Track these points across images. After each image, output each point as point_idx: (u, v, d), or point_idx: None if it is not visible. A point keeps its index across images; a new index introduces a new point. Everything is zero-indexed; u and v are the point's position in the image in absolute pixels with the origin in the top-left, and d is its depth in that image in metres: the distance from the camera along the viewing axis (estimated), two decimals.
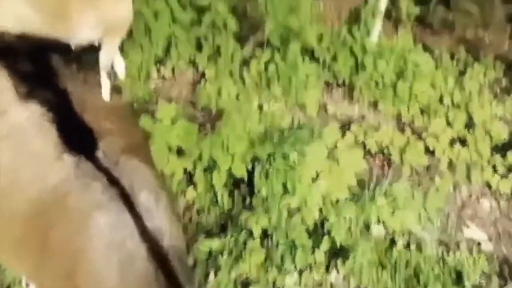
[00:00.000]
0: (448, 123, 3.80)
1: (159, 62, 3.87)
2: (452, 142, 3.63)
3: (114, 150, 1.19)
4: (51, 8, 2.71)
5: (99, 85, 3.21)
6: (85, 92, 1.41)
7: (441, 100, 4.08)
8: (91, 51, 3.13)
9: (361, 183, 3.11)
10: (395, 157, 3.46)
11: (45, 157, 1.13)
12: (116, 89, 3.49)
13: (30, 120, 1.20)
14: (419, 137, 3.65)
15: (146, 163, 1.20)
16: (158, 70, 3.87)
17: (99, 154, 1.16)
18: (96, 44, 3.03)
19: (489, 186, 3.46)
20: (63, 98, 1.34)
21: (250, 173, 2.83)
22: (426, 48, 4.83)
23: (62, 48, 2.83)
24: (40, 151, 1.15)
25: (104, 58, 3.12)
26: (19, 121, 1.21)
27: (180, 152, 2.88)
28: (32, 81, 1.34)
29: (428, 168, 3.51)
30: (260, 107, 3.72)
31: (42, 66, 1.43)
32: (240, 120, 2.79)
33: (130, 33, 3.40)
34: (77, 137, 1.23)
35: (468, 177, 3.47)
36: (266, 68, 3.88)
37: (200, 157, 2.77)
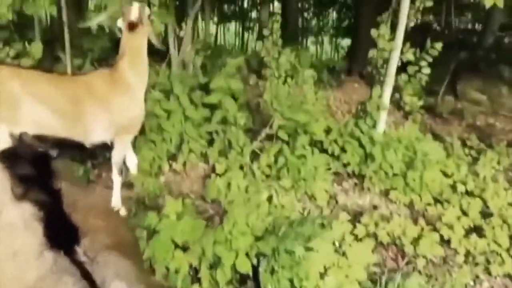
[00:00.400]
0: (463, 212, 3.70)
1: (171, 157, 4.00)
2: (468, 232, 3.51)
3: (95, 246, 1.22)
4: (66, 111, 2.88)
5: (110, 180, 3.31)
6: (79, 193, 1.48)
7: (454, 188, 4.02)
8: (104, 148, 3.27)
9: (372, 277, 2.99)
10: (408, 249, 3.35)
11: (28, 254, 1.17)
12: (128, 185, 3.59)
13: (20, 219, 1.26)
14: (433, 227, 3.55)
15: (126, 258, 1.22)
16: (170, 165, 4.00)
17: (79, 249, 1.19)
18: (109, 143, 3.16)
19: (510, 278, 3.27)
20: (56, 199, 1.41)
21: (256, 269, 2.77)
22: (436, 137, 4.90)
23: (74, 147, 3.00)
24: (24, 249, 1.19)
25: (116, 156, 3.22)
26: (10, 220, 1.27)
27: (186, 248, 2.87)
28: (30, 183, 1.41)
29: (444, 259, 3.37)
30: (270, 199, 3.73)
31: (42, 169, 1.52)
32: (243, 215, 2.79)
33: (142, 131, 3.57)
34: (63, 234, 1.27)
35: (488, 268, 3.30)
36: (275, 161, 3.97)
37: (204, 253, 2.75)
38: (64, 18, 4.07)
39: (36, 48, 3.90)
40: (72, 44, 4.33)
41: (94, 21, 2.99)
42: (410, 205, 3.93)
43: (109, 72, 3.07)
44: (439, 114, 5.71)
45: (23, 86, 2.74)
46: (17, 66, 3.21)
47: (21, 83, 2.73)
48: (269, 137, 4.21)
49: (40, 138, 2.87)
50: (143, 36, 3.01)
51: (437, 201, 3.93)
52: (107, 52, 4.74)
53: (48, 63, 4.41)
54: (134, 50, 3.02)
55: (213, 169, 4.01)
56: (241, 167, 3.94)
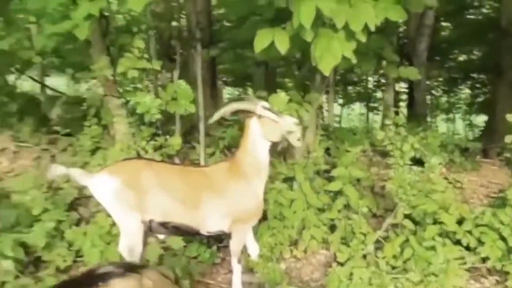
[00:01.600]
0: None
1: (292, 243, 4.03)
2: None
3: None
4: (187, 200, 3.11)
5: (230, 266, 3.43)
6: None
7: None
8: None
9: None
10: None
11: None
12: (250, 269, 3.68)
13: None
14: None
15: None
16: (291, 251, 4.01)
17: None
18: (226, 231, 3.27)
19: None
20: None
21: None
22: None
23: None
24: None
25: (234, 245, 3.32)
26: None
27: None
28: None
29: None
30: None
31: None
32: None
33: (264, 218, 3.68)
34: None
35: None
36: (401, 252, 3.74)
37: None
38: (201, 113, 4.59)
39: (176, 141, 4.41)
40: (207, 134, 4.81)
41: (215, 117, 3.25)
42: None
43: (229, 163, 3.27)
44: None
45: (153, 177, 3.06)
46: (149, 159, 3.62)
47: (152, 174, 3.07)
48: (394, 226, 4.01)
49: (164, 225, 3.16)
50: (262, 128, 3.13)
51: None
52: (236, 140, 5.10)
53: (184, 152, 4.93)
54: (252, 141, 3.16)
55: (334, 257, 3.92)
56: (364, 257, 3.79)
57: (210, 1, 6.04)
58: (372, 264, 3.70)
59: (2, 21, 5.12)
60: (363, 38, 3.03)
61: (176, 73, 4.69)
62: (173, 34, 6.26)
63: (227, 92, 11.08)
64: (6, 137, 5.35)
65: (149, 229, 3.16)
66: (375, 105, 11.07)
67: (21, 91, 6.85)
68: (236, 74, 8.75)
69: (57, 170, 3.17)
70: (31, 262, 3.70)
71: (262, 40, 3.26)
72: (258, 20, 3.88)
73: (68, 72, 7.02)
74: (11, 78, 6.37)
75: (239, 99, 3.23)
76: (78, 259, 3.85)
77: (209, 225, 3.19)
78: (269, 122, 3.10)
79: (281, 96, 4.08)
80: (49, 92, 7.17)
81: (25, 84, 7.23)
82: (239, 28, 5.20)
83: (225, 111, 3.16)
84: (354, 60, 3.10)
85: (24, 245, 3.63)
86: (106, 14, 4.45)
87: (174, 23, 6.68)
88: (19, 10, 5.04)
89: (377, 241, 3.92)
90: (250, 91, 8.07)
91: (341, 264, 3.73)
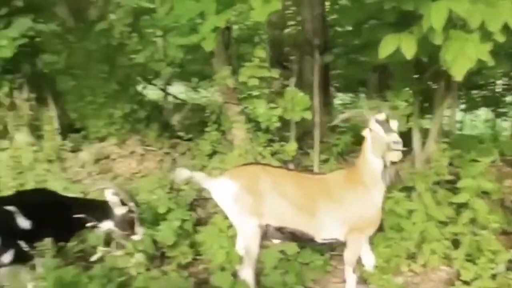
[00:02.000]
0: None
1: (410, 256, 3.82)
2: None
3: None
4: (303, 206, 3.12)
5: (343, 275, 3.37)
6: None
7: None
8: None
9: None
10: None
11: None
12: (364, 281, 3.57)
13: None
14: None
15: None
16: (409, 265, 3.81)
17: None
18: (342, 240, 3.23)
19: None
20: None
21: None
22: None
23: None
24: None
25: (349, 254, 3.25)
26: None
27: None
28: None
29: None
30: None
31: None
32: None
33: (381, 228, 3.55)
34: None
35: None
36: None
37: None
38: (316, 119, 4.59)
39: (291, 147, 4.47)
40: (321, 140, 4.80)
41: (337, 120, 3.26)
42: None
43: (347, 172, 3.23)
44: None
45: (270, 182, 3.14)
46: (267, 164, 3.69)
47: (269, 179, 3.15)
48: None
49: (280, 230, 3.21)
50: (371, 141, 3.02)
51: None
52: (350, 146, 5.02)
53: (298, 158, 4.96)
54: (368, 151, 3.06)
55: (457, 275, 3.64)
56: (493, 277, 3.46)
57: (324, 8, 6.01)
58: (503, 286, 3.37)
59: (136, 36, 5.64)
60: (501, 39, 2.77)
61: (292, 81, 4.76)
62: (286, 41, 6.36)
63: (339, 98, 10.88)
64: (134, 141, 5.87)
65: (265, 234, 3.24)
66: (504, 110, 9.96)
67: (148, 99, 7.45)
68: (349, 79, 8.56)
69: (182, 173, 3.41)
70: (157, 257, 4.01)
71: (388, 45, 3.18)
72: (378, 24, 3.78)
73: (193, 81, 7.46)
74: (138, 87, 6.98)
75: (374, 105, 3.20)
76: (198, 256, 4.08)
77: (324, 233, 3.18)
78: (377, 137, 2.97)
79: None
80: (170, 99, 7.72)
81: (150, 93, 7.83)
82: (355, 33, 5.11)
83: (345, 116, 3.19)
84: (492, 62, 2.86)
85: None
86: (228, 25, 4.68)
87: (286, 31, 6.79)
88: (148, 25, 5.57)
89: (509, 261, 3.55)
90: (362, 97, 7.86)
91: (466, 283, 3.46)
